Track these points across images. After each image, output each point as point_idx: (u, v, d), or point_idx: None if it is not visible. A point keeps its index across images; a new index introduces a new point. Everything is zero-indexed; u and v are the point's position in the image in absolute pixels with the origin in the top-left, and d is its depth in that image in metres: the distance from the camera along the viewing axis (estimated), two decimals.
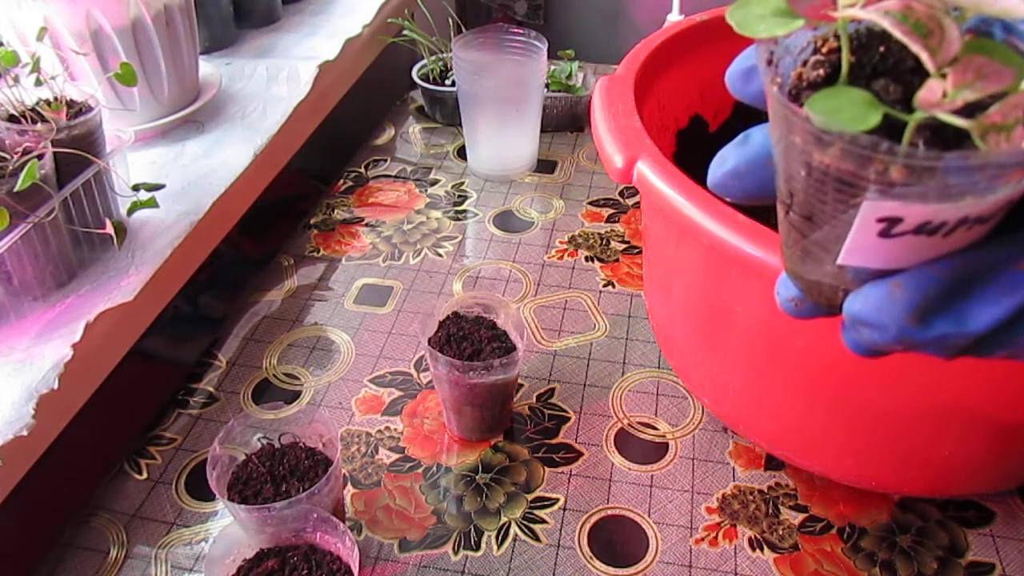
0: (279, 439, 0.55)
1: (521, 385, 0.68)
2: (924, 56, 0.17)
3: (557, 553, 0.56)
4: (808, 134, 0.18)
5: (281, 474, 0.53)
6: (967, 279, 0.20)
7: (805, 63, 0.20)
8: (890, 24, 0.17)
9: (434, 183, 0.95)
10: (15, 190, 0.55)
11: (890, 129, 0.18)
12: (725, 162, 0.23)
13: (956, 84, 0.17)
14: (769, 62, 0.20)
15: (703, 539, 0.57)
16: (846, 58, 0.19)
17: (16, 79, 0.63)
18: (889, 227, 0.19)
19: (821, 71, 0.20)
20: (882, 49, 0.19)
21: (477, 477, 0.61)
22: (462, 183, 0.95)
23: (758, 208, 0.30)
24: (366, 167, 0.99)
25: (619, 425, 0.65)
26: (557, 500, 0.59)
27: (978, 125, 0.17)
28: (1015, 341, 0.20)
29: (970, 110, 0.17)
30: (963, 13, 0.18)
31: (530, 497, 0.60)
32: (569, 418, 0.66)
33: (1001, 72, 0.17)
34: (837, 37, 0.19)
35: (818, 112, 0.18)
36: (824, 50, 0.20)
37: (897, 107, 0.18)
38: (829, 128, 0.17)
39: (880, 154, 0.17)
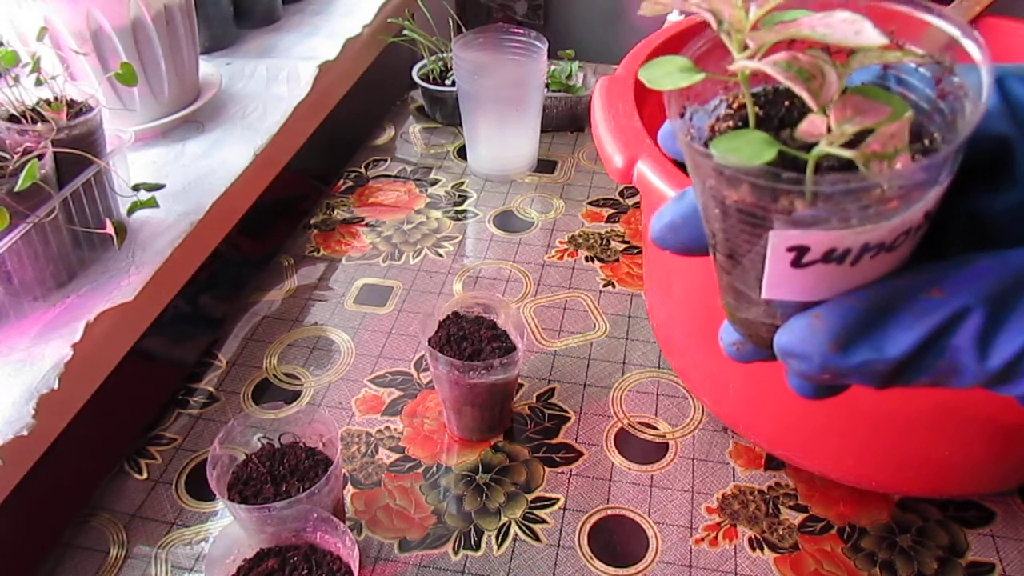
0: (279, 439, 0.55)
1: (521, 385, 0.68)
2: (806, 96, 0.19)
3: (557, 553, 0.56)
4: (716, 174, 0.20)
5: (281, 474, 0.53)
6: (883, 308, 0.21)
7: (717, 118, 0.22)
8: (775, 71, 0.20)
9: (434, 183, 0.95)
10: (15, 190, 0.55)
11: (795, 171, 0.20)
12: (663, 216, 0.25)
13: (837, 119, 0.19)
14: (681, 115, 0.22)
15: (703, 539, 0.57)
16: (750, 106, 0.21)
17: (16, 79, 0.63)
18: (799, 256, 0.20)
19: (731, 122, 0.22)
20: (787, 103, 0.21)
21: (477, 477, 0.61)
22: (462, 183, 0.95)
23: None
24: (366, 167, 0.99)
25: (619, 425, 0.65)
26: (557, 500, 0.59)
27: (860, 155, 0.19)
28: (934, 366, 0.21)
29: (855, 145, 0.19)
30: (849, 63, 0.20)
31: (530, 497, 0.60)
32: (569, 418, 0.66)
33: (877, 109, 0.19)
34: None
35: (721, 150, 0.20)
36: (735, 106, 0.22)
37: (800, 151, 0.20)
38: (729, 163, 0.19)
39: (775, 183, 0.19)
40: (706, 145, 0.21)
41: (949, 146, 0.19)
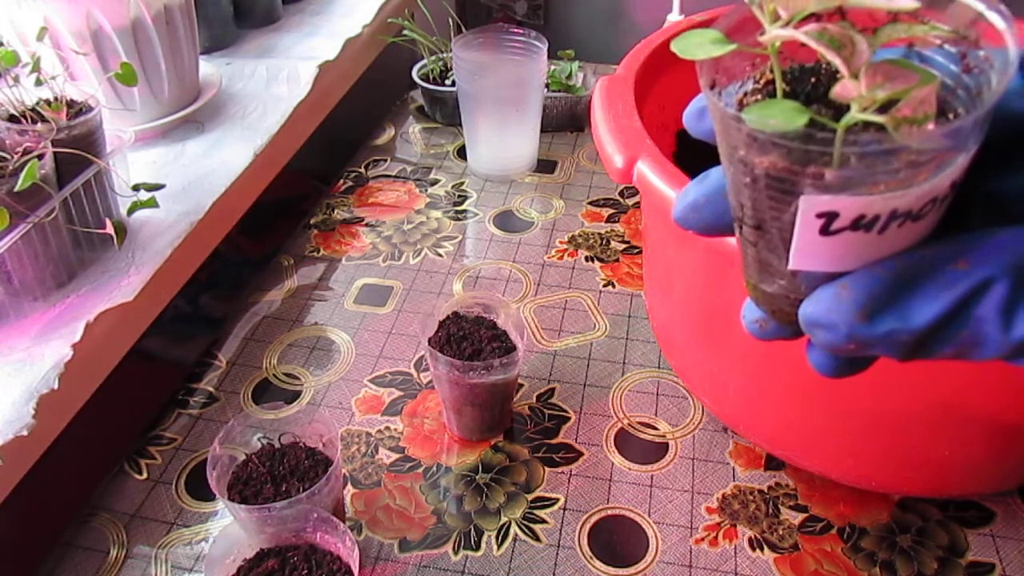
0: (279, 439, 0.55)
1: (521, 385, 0.69)
2: (838, 62, 0.20)
3: (557, 553, 0.56)
4: (748, 140, 0.21)
5: (281, 474, 0.53)
6: (909, 278, 0.21)
7: (746, 93, 0.23)
8: (807, 39, 0.20)
9: (434, 183, 0.95)
10: (15, 190, 0.55)
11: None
12: (686, 196, 0.26)
13: (868, 85, 0.20)
14: (712, 86, 0.23)
15: (703, 539, 0.57)
16: (779, 75, 0.22)
17: (16, 79, 0.63)
18: (828, 223, 0.20)
19: (759, 96, 0.22)
20: (813, 80, 0.22)
21: (477, 477, 0.61)
22: (462, 183, 0.95)
23: None
24: (366, 167, 0.99)
25: (619, 425, 0.65)
26: (557, 500, 0.59)
27: (891, 119, 0.19)
28: (957, 337, 0.21)
29: (885, 111, 0.20)
30: (876, 38, 0.21)
31: (530, 497, 0.60)
32: (569, 418, 0.66)
33: (907, 75, 0.20)
34: (773, 71, 0.22)
35: (752, 116, 0.20)
36: (762, 82, 0.23)
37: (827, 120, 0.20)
38: (762, 129, 0.20)
39: (808, 145, 0.19)
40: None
41: (978, 110, 0.20)
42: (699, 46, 0.22)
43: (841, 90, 0.20)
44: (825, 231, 0.21)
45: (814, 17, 0.21)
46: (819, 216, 0.20)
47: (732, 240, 0.25)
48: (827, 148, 0.19)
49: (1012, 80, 0.22)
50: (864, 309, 0.21)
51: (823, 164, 0.20)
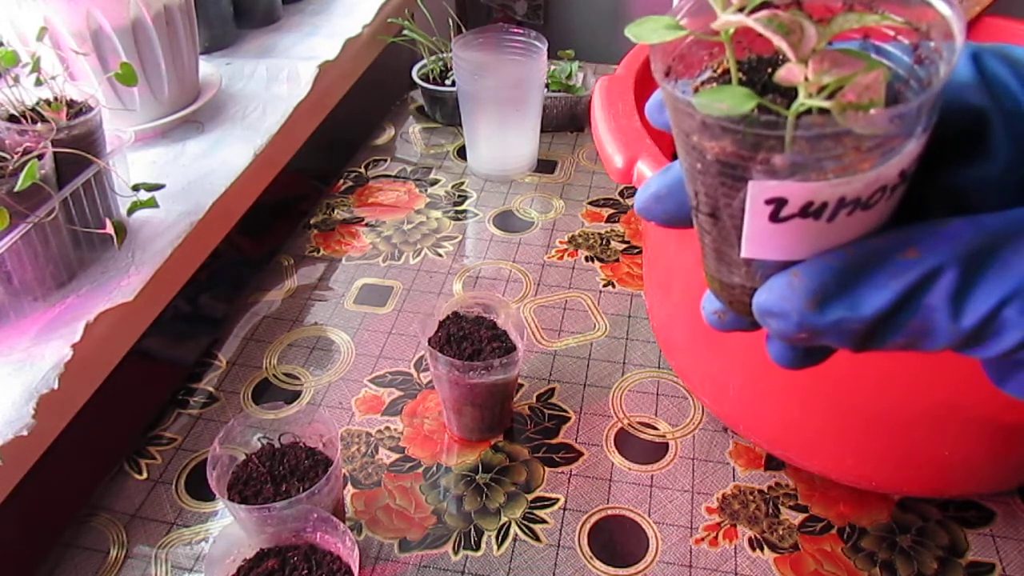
0: (279, 439, 0.55)
1: (521, 385, 0.68)
2: (785, 47, 0.20)
3: (557, 553, 0.56)
4: (699, 125, 0.21)
5: (281, 474, 0.53)
6: (859, 267, 0.21)
7: (702, 82, 0.23)
8: (756, 24, 0.20)
9: (434, 183, 0.95)
10: (15, 190, 0.55)
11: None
12: (648, 187, 0.26)
13: (815, 71, 0.20)
14: (667, 74, 0.23)
15: (703, 539, 0.57)
16: (732, 62, 0.22)
17: (16, 79, 0.63)
18: (777, 209, 0.21)
19: (714, 84, 0.23)
20: (769, 71, 0.22)
21: (477, 477, 0.61)
22: (462, 183, 0.95)
23: None
24: (366, 167, 0.99)
25: (619, 425, 0.65)
26: (557, 500, 0.59)
27: (837, 104, 0.19)
28: (907, 326, 0.21)
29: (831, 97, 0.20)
30: (829, 27, 0.21)
31: (530, 497, 0.60)
32: (569, 418, 0.66)
33: (854, 63, 0.20)
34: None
35: (703, 101, 0.20)
36: (719, 71, 0.23)
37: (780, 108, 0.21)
38: (710, 112, 0.20)
39: (755, 129, 0.20)
40: None
41: (920, 96, 0.20)
42: (653, 31, 0.22)
43: (786, 73, 0.20)
44: (775, 218, 0.21)
45: (769, 6, 0.21)
46: (768, 202, 0.21)
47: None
48: (774, 132, 0.19)
49: (965, 74, 0.23)
50: (815, 297, 0.21)
51: (771, 149, 0.20)
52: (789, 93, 0.21)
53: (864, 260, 0.21)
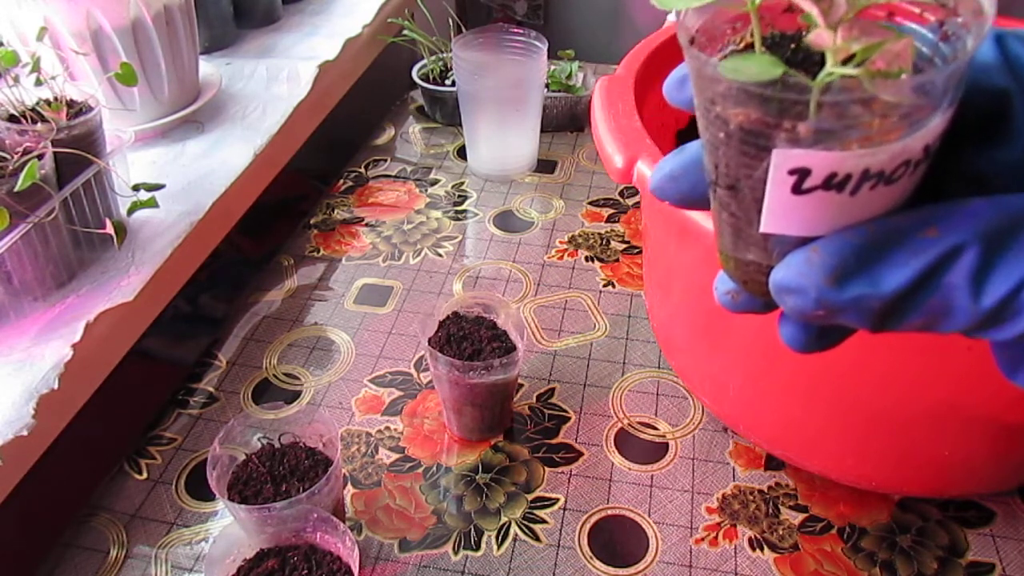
0: (279, 439, 0.55)
1: (521, 385, 0.68)
2: (815, 13, 0.20)
3: (557, 553, 0.56)
4: (723, 93, 0.21)
5: (281, 474, 0.53)
6: (880, 244, 0.21)
7: (724, 56, 0.23)
8: None
9: (434, 183, 0.95)
10: (15, 190, 0.55)
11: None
12: (663, 167, 0.26)
13: (844, 37, 0.20)
14: (691, 42, 0.23)
15: (703, 539, 0.57)
16: (757, 32, 0.22)
17: (16, 79, 0.63)
18: (800, 180, 0.20)
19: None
20: (792, 46, 0.22)
21: (477, 477, 0.61)
22: (462, 183, 0.95)
23: None
24: (366, 167, 0.99)
25: (619, 425, 0.65)
26: (557, 500, 0.59)
27: (865, 72, 0.19)
28: (926, 305, 0.21)
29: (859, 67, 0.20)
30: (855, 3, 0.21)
31: (530, 497, 0.60)
32: (569, 418, 0.66)
33: (882, 32, 0.20)
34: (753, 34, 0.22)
35: (728, 67, 0.20)
36: (741, 45, 0.23)
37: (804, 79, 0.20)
38: (737, 77, 0.20)
39: (782, 93, 0.20)
40: None
41: (951, 65, 0.20)
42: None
43: (816, 38, 0.20)
44: (797, 190, 0.21)
45: None
46: (791, 172, 0.20)
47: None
48: (802, 97, 0.19)
49: (989, 55, 0.23)
50: (834, 273, 0.21)
51: (797, 116, 0.20)
52: (812, 68, 0.21)
53: (885, 237, 0.21)
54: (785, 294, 0.22)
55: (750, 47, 0.22)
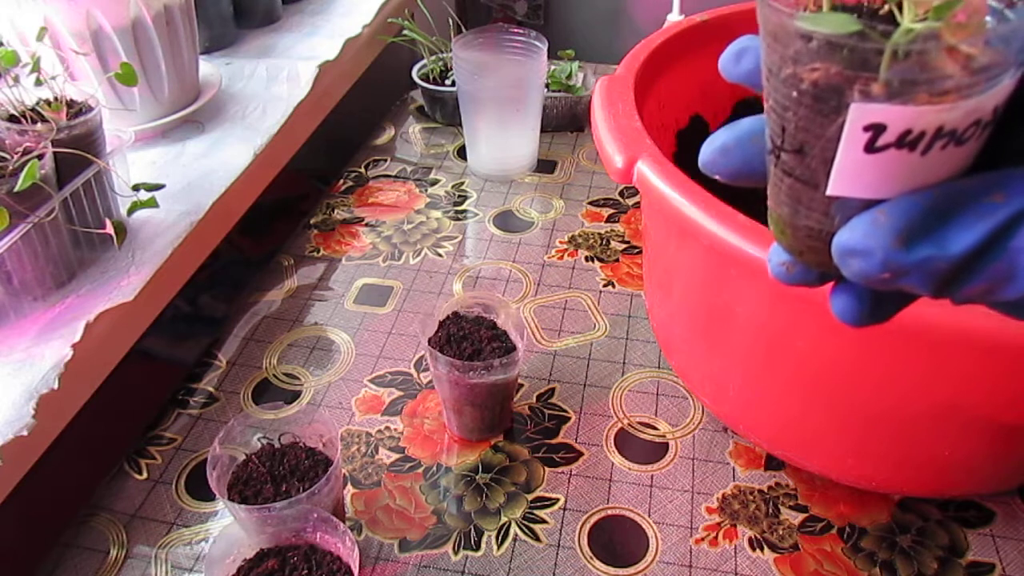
0: (279, 439, 0.55)
1: (521, 385, 0.68)
2: None
3: (557, 553, 0.56)
4: (797, 50, 0.21)
5: (281, 474, 0.53)
6: (946, 208, 0.21)
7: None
8: None
9: (434, 183, 0.95)
10: (15, 190, 0.55)
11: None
12: (714, 140, 0.26)
13: None
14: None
15: (703, 539, 0.57)
16: None
17: (16, 79, 0.63)
18: (874, 137, 0.21)
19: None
20: (864, 4, 0.22)
21: (477, 477, 0.61)
22: (462, 183, 0.95)
23: (757, 209, 0.31)
24: (366, 167, 0.99)
25: (619, 425, 0.65)
26: (557, 500, 0.59)
27: (946, 25, 0.19)
28: (991, 268, 0.21)
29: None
30: None
31: (530, 497, 0.60)
32: (569, 418, 0.66)
33: None
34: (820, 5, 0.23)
35: (809, 19, 0.20)
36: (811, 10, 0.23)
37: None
38: (820, 28, 0.20)
39: (865, 43, 0.20)
40: None
41: None
42: None
43: None
44: (870, 148, 0.21)
45: None
46: (866, 129, 0.20)
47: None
48: (882, 46, 0.19)
49: None
50: (902, 235, 0.21)
51: (875, 69, 0.20)
52: (885, 28, 0.21)
53: (951, 201, 0.21)
54: (850, 257, 0.22)
55: (820, 11, 0.22)
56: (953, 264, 0.21)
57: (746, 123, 0.25)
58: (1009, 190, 0.21)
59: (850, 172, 0.22)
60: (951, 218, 0.21)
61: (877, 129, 0.20)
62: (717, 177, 0.26)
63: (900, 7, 0.21)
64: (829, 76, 0.21)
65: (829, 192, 0.22)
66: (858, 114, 0.20)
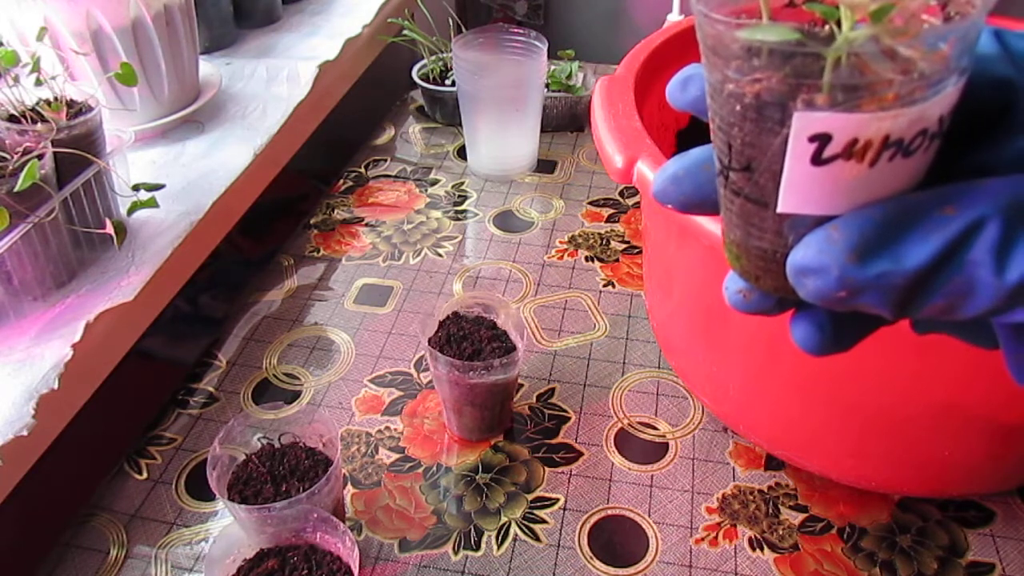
0: (279, 439, 0.55)
1: (521, 385, 0.69)
2: None
3: (557, 553, 0.56)
4: (738, 65, 0.21)
5: (281, 474, 0.53)
6: (899, 221, 0.21)
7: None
8: None
9: (434, 183, 0.95)
10: (15, 190, 0.55)
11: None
12: (665, 170, 0.26)
13: None
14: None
15: (703, 539, 0.57)
16: (766, 8, 0.22)
17: (16, 79, 0.63)
18: (820, 148, 0.20)
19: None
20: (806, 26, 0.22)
21: (477, 477, 0.61)
22: (462, 183, 0.95)
23: None
24: (366, 167, 0.99)
25: (619, 425, 0.65)
26: (557, 500, 0.59)
27: (884, 28, 0.19)
28: (950, 284, 0.21)
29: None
30: None
31: (530, 497, 0.60)
32: (569, 418, 0.66)
33: None
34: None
35: (749, 31, 0.20)
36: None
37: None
38: (759, 37, 0.20)
39: (804, 49, 0.20)
40: None
41: (967, 20, 0.20)
42: None
43: None
44: (817, 159, 0.20)
45: None
46: (812, 139, 0.20)
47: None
48: (823, 52, 0.19)
49: (990, 47, 0.23)
50: (856, 250, 0.21)
51: (817, 76, 0.20)
52: (824, 39, 0.21)
53: (904, 214, 0.21)
54: (805, 276, 0.22)
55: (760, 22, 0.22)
56: (909, 279, 0.21)
57: (696, 151, 0.25)
58: (959, 203, 0.21)
59: (799, 187, 0.21)
60: (905, 232, 0.21)
61: (823, 139, 0.20)
62: (670, 207, 0.26)
63: (839, 23, 0.21)
64: (772, 87, 0.20)
65: (780, 209, 0.22)
66: (802, 123, 0.20)
